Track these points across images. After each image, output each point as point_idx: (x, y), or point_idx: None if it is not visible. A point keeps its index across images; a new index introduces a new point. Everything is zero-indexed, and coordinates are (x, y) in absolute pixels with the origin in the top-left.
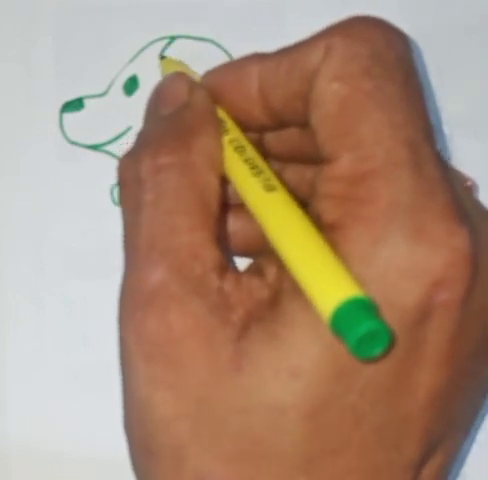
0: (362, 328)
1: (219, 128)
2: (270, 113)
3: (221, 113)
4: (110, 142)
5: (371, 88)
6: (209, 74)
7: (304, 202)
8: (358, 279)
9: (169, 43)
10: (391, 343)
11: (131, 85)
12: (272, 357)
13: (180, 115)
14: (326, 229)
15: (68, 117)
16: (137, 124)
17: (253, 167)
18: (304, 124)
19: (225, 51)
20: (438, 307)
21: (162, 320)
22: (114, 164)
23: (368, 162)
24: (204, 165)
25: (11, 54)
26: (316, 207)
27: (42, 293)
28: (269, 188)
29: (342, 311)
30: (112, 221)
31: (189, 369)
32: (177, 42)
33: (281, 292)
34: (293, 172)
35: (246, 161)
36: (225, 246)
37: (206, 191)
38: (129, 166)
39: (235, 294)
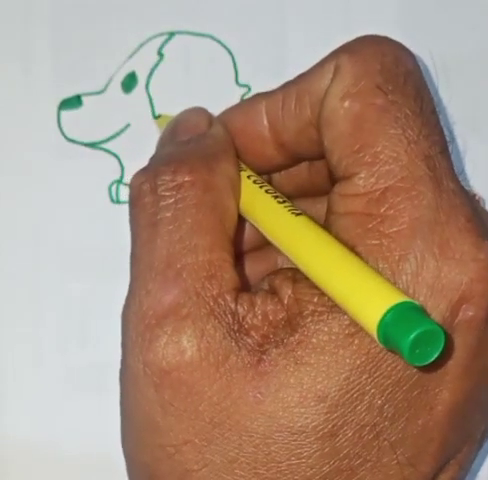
0: (414, 331)
1: (237, 160)
2: (283, 149)
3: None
4: (108, 140)
5: (384, 103)
6: (230, 109)
7: None
8: None
9: (168, 39)
10: (446, 346)
11: (129, 82)
12: (297, 383)
13: (201, 141)
14: (347, 247)
15: (66, 114)
16: (135, 121)
17: (276, 196)
18: (317, 154)
19: (224, 47)
20: (463, 323)
21: (175, 343)
22: (112, 162)
23: (386, 178)
24: (225, 188)
25: (8, 51)
26: (334, 226)
27: (39, 292)
28: (296, 213)
29: (390, 319)
30: (110, 219)
31: (202, 394)
32: (176, 38)
33: (300, 316)
34: (302, 207)
35: (267, 192)
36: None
37: (226, 213)
38: (145, 181)
39: (250, 317)
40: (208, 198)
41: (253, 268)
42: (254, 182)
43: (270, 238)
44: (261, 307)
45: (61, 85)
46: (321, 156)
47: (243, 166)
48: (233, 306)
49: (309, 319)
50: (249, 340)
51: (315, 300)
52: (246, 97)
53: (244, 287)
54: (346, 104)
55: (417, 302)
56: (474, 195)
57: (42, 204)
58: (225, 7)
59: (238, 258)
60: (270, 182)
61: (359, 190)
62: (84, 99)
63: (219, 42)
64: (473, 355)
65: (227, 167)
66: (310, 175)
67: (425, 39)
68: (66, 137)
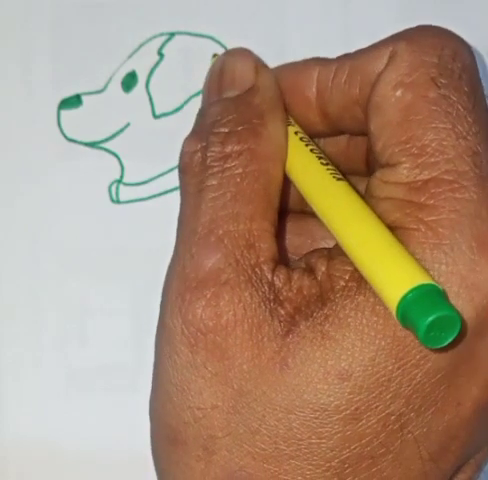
0: (433, 314)
1: (284, 114)
2: (326, 119)
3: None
4: (108, 139)
5: (436, 97)
6: (275, 69)
7: None
8: None
9: (168, 39)
10: (461, 332)
11: (130, 81)
12: (322, 357)
13: (248, 99)
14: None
15: (66, 114)
16: (135, 121)
17: (320, 157)
18: (358, 132)
19: (225, 48)
20: None
21: (213, 307)
22: (112, 161)
23: (430, 170)
24: (271, 155)
25: (8, 51)
26: (374, 209)
27: (39, 292)
28: (337, 177)
29: (412, 298)
30: (110, 219)
31: (233, 360)
32: (176, 38)
33: (331, 291)
34: None
35: (312, 152)
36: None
37: (270, 182)
38: (195, 151)
39: (285, 289)
40: (253, 167)
41: (293, 240)
42: (300, 139)
43: (307, 199)
44: (297, 282)
45: (61, 85)
46: (362, 133)
47: (291, 120)
48: (270, 276)
49: (339, 294)
50: (282, 311)
51: (347, 276)
52: None
53: (283, 259)
54: (398, 93)
55: (441, 287)
56: None
57: (42, 204)
58: (225, 7)
59: (280, 225)
60: None
61: (402, 179)
62: (84, 98)
63: (219, 42)
64: None
65: (274, 130)
66: (348, 148)
67: None
68: (66, 137)
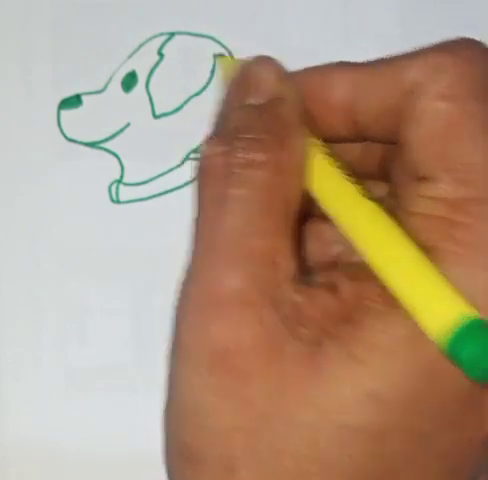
0: (483, 349)
1: (305, 128)
2: (352, 125)
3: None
4: (108, 139)
5: (480, 111)
6: (292, 76)
7: None
8: None
9: (168, 39)
10: None
11: (129, 81)
12: (352, 379)
13: (274, 109)
14: (419, 247)
15: (66, 114)
16: (135, 120)
17: (347, 175)
18: (383, 139)
19: (225, 48)
20: None
21: (234, 329)
22: (113, 161)
23: (471, 187)
24: (296, 169)
25: (8, 51)
26: (408, 225)
27: (39, 292)
28: (368, 197)
29: (461, 333)
30: (110, 219)
31: (255, 382)
32: (176, 38)
33: (359, 310)
34: None
35: (339, 169)
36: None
37: (293, 197)
38: (220, 154)
39: (307, 308)
40: (278, 180)
41: (304, 246)
42: (326, 155)
43: (335, 219)
44: (319, 300)
45: (61, 85)
46: (385, 141)
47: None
48: (292, 296)
49: (368, 316)
50: (305, 331)
51: (376, 297)
52: None
53: (302, 270)
54: (440, 105)
55: (483, 318)
56: None
57: (42, 203)
58: (225, 7)
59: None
60: None
61: (441, 194)
62: (84, 98)
63: (219, 42)
64: None
65: (299, 143)
66: (362, 156)
67: (425, 39)
68: (66, 137)
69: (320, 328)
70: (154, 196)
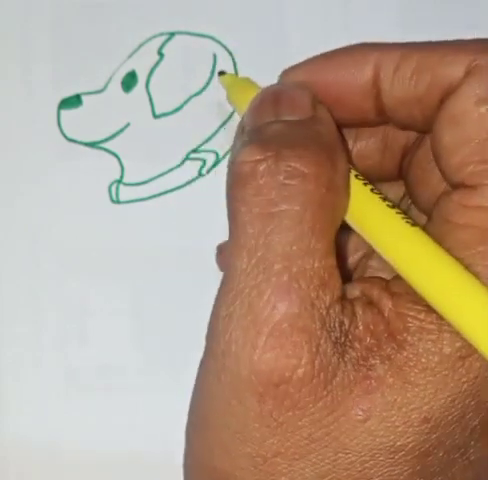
0: None
1: (343, 148)
2: (379, 108)
3: None
4: (108, 139)
5: None
6: (313, 59)
7: None
8: None
9: (168, 39)
10: None
11: (129, 81)
12: (403, 403)
13: (314, 127)
14: (464, 262)
15: (66, 114)
16: (135, 120)
17: (385, 199)
18: (409, 127)
19: (225, 47)
20: None
21: (290, 357)
22: (113, 161)
23: None
24: (344, 187)
25: (8, 51)
26: (451, 236)
27: (39, 292)
28: (411, 223)
29: None
30: (110, 219)
31: (305, 410)
32: (176, 38)
33: (405, 331)
34: None
35: (374, 193)
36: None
37: (340, 216)
38: (263, 160)
39: (353, 328)
40: (330, 198)
41: None
42: (356, 177)
43: (377, 246)
44: (362, 317)
45: (61, 85)
46: (411, 128)
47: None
48: (341, 317)
49: (417, 337)
50: (354, 353)
51: (421, 316)
52: None
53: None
54: (483, 109)
55: None
56: None
57: (42, 204)
58: (225, 7)
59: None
60: None
61: (485, 203)
62: (84, 98)
63: (219, 42)
64: None
65: (344, 161)
66: (383, 158)
67: (425, 39)
68: (66, 137)
69: (367, 348)
70: (154, 196)
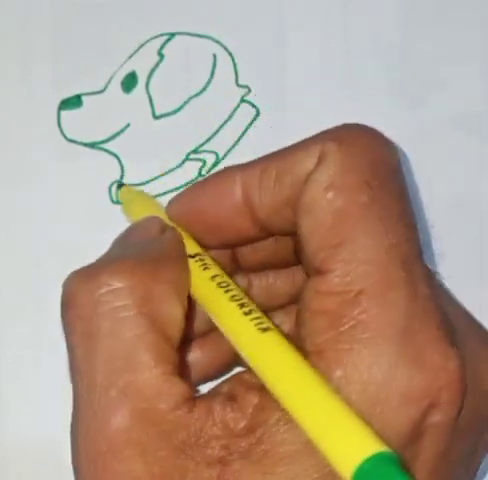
0: None
1: (186, 263)
2: (257, 223)
3: (199, 249)
4: (108, 139)
5: (368, 201)
6: (190, 189)
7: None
8: (353, 403)
9: (168, 39)
10: None
11: (130, 82)
12: None
13: (147, 246)
14: (317, 350)
15: (66, 114)
16: (135, 121)
17: (242, 305)
18: (291, 232)
19: (224, 48)
20: (430, 427)
21: (128, 472)
22: (113, 162)
23: (362, 279)
24: (167, 295)
25: (8, 51)
26: (307, 325)
27: (39, 292)
28: (263, 328)
29: (367, 468)
30: (110, 219)
31: None
32: (176, 38)
33: (264, 423)
34: (263, 280)
35: (233, 298)
36: (187, 374)
37: (168, 322)
38: (81, 281)
39: (209, 426)
40: (148, 308)
41: (202, 355)
42: (218, 285)
43: (237, 350)
44: (220, 414)
45: (61, 85)
46: (294, 233)
47: (209, 264)
48: (187, 420)
49: (275, 428)
50: (209, 451)
51: (281, 407)
52: (246, 98)
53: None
54: (329, 195)
55: (391, 451)
56: (435, 273)
57: (42, 204)
58: (225, 8)
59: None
60: (234, 255)
61: (333, 288)
62: (84, 99)
63: (219, 42)
64: (440, 457)
65: (171, 273)
66: (276, 248)
67: (425, 39)
68: (66, 137)
69: (224, 446)
70: (154, 196)
